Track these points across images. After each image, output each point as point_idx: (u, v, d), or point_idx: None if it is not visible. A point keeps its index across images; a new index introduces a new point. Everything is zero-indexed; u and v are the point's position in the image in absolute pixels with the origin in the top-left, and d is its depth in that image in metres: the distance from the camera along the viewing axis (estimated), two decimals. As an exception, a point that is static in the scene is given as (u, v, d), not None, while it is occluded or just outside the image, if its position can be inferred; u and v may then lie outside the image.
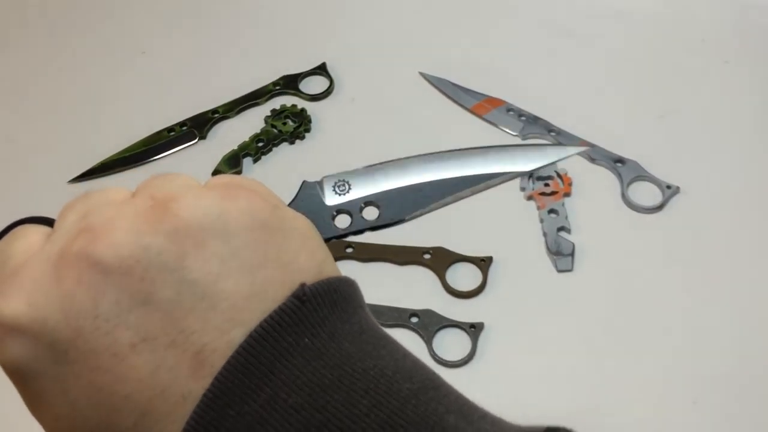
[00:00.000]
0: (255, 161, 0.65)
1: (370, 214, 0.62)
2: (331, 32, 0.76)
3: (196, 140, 0.67)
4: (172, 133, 0.67)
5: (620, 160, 0.63)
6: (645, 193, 0.61)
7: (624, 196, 0.61)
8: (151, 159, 0.66)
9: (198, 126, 0.67)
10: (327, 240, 0.59)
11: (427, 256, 0.59)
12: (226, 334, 0.22)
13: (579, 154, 0.64)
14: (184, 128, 0.67)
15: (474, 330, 0.54)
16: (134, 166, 0.65)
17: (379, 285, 0.58)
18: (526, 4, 0.77)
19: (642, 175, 0.62)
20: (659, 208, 0.60)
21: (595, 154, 0.64)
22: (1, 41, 0.77)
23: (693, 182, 0.62)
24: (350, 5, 0.78)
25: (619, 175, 0.62)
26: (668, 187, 0.61)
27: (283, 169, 0.65)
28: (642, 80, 0.69)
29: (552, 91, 0.69)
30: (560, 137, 0.65)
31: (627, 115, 0.67)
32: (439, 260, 0.58)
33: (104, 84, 0.73)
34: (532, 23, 0.75)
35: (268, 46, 0.75)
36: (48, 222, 0.27)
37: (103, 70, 0.74)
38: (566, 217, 0.60)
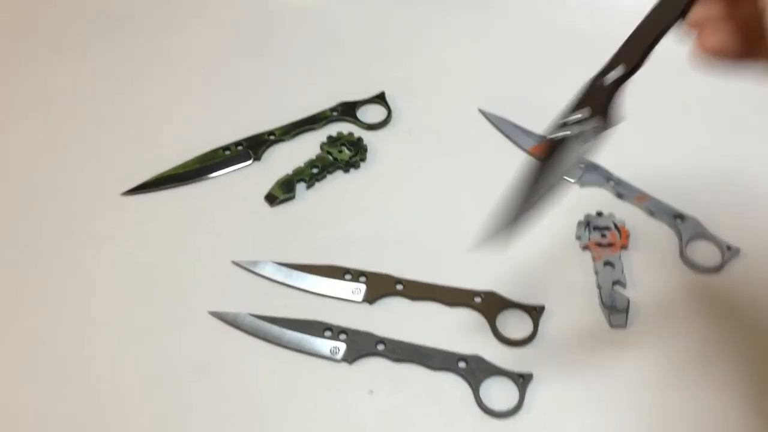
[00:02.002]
0: (308, 187, 0.65)
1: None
2: (392, 61, 0.76)
3: (251, 161, 0.67)
4: (228, 152, 0.67)
5: (680, 216, 0.61)
6: (704, 253, 0.60)
7: (682, 254, 0.59)
8: (205, 177, 0.65)
9: (253, 147, 0.67)
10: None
11: (477, 300, 0.58)
12: None
13: (638, 206, 0.63)
14: (240, 148, 0.67)
15: (522, 381, 0.53)
16: (188, 183, 0.65)
17: (428, 325, 0.57)
18: (588, 48, 0.76)
19: (702, 234, 0.60)
20: (718, 269, 0.59)
21: (655, 208, 0.62)
22: (63, 49, 0.77)
23: (755, 244, 0.60)
24: (413, 36, 0.78)
25: (679, 232, 0.61)
26: (729, 248, 0.59)
27: (336, 198, 0.65)
28: (707, 133, 0.68)
29: (613, 138, 0.68)
30: (619, 187, 0.64)
31: (690, 169, 0.65)
32: (490, 305, 0.57)
33: (162, 96, 0.73)
34: (595, 66, 0.75)
35: (329, 71, 0.75)
36: None
37: (162, 81, 0.74)
38: (622, 271, 0.58)
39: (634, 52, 0.43)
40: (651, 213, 0.62)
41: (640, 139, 0.68)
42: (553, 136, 0.44)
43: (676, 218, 0.61)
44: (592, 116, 0.44)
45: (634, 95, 0.71)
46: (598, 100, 0.44)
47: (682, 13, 0.39)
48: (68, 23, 0.80)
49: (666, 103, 0.71)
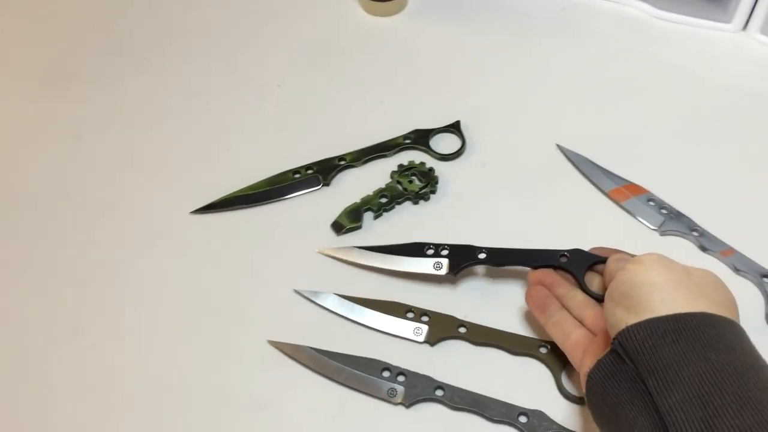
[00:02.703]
0: (376, 217, 0.64)
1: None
2: (469, 89, 0.74)
3: (320, 186, 0.66)
4: (297, 176, 0.66)
5: (768, 276, 0.58)
6: (793, 318, 0.56)
7: (768, 318, 0.56)
8: (273, 200, 0.65)
9: (323, 171, 0.66)
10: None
11: (543, 350, 0.55)
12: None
13: (722, 261, 0.59)
14: (310, 172, 0.66)
15: (586, 443, 0.51)
16: (256, 205, 0.65)
17: (490, 373, 0.55)
18: (678, 87, 0.73)
19: (792, 297, 0.57)
20: (808, 337, 0.55)
21: (741, 265, 0.58)
22: (139, 65, 0.78)
23: None
24: (493, 63, 0.76)
25: (765, 292, 0.57)
26: (820, 315, 0.55)
27: (403, 230, 0.63)
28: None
29: (700, 186, 0.64)
30: (703, 239, 0.60)
31: (782, 225, 0.62)
32: (556, 357, 0.55)
33: (236, 114, 0.73)
34: (684, 109, 0.71)
35: (404, 95, 0.73)
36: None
37: (236, 99, 0.74)
38: (701, 332, 0.55)
39: (505, 258, 0.57)
40: (736, 270, 0.59)
41: (730, 190, 0.64)
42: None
43: (763, 277, 0.58)
44: (447, 256, 0.59)
45: (724, 142, 0.68)
46: (459, 260, 0.58)
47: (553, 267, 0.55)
48: (145, 39, 0.81)
49: (760, 151, 0.67)
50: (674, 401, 0.39)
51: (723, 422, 0.37)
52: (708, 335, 0.41)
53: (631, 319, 0.43)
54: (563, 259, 0.55)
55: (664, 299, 0.43)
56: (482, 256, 0.57)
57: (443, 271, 0.58)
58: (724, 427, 0.37)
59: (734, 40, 0.76)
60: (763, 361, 0.42)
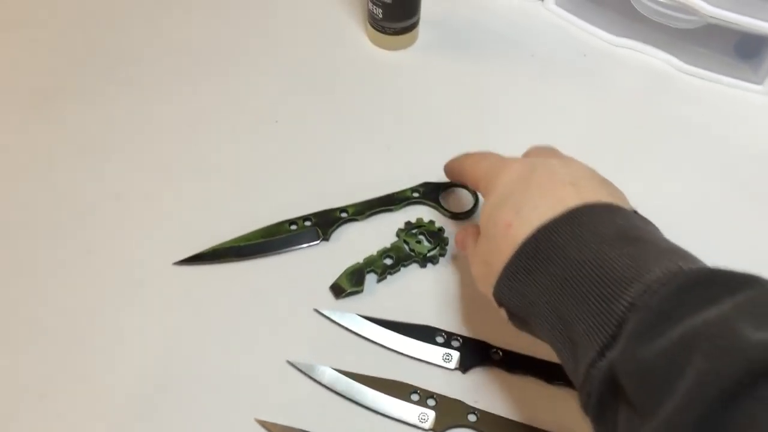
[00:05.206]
0: (379, 280, 0.58)
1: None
2: (483, 138, 0.67)
3: (318, 241, 0.60)
4: (294, 227, 0.60)
5: None
6: None
7: None
8: (268, 253, 0.59)
9: (323, 224, 0.60)
10: (449, 402, 0.51)
11: (561, 447, 0.50)
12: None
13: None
14: (308, 224, 0.60)
15: None
16: (248, 259, 0.58)
17: (501, 471, 0.49)
18: (701, 146, 0.68)
19: None
20: None
21: None
22: (127, 87, 0.71)
23: None
24: (510, 112, 0.70)
25: None
26: None
27: (409, 296, 0.57)
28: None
29: (725, 252, 0.60)
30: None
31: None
32: (575, 456, 0.50)
33: (228, 151, 0.66)
34: (706, 170, 0.66)
35: (413, 142, 0.67)
36: None
37: (230, 133, 0.67)
38: None
39: (520, 364, 0.54)
40: None
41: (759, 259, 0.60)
42: None
43: None
44: (459, 349, 0.55)
45: (746, 207, 0.63)
46: (470, 356, 0.55)
47: None
48: (134, 57, 0.74)
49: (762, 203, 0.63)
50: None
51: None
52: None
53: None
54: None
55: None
56: (496, 357, 0.54)
57: (452, 365, 0.54)
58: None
59: (764, 102, 0.72)
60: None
